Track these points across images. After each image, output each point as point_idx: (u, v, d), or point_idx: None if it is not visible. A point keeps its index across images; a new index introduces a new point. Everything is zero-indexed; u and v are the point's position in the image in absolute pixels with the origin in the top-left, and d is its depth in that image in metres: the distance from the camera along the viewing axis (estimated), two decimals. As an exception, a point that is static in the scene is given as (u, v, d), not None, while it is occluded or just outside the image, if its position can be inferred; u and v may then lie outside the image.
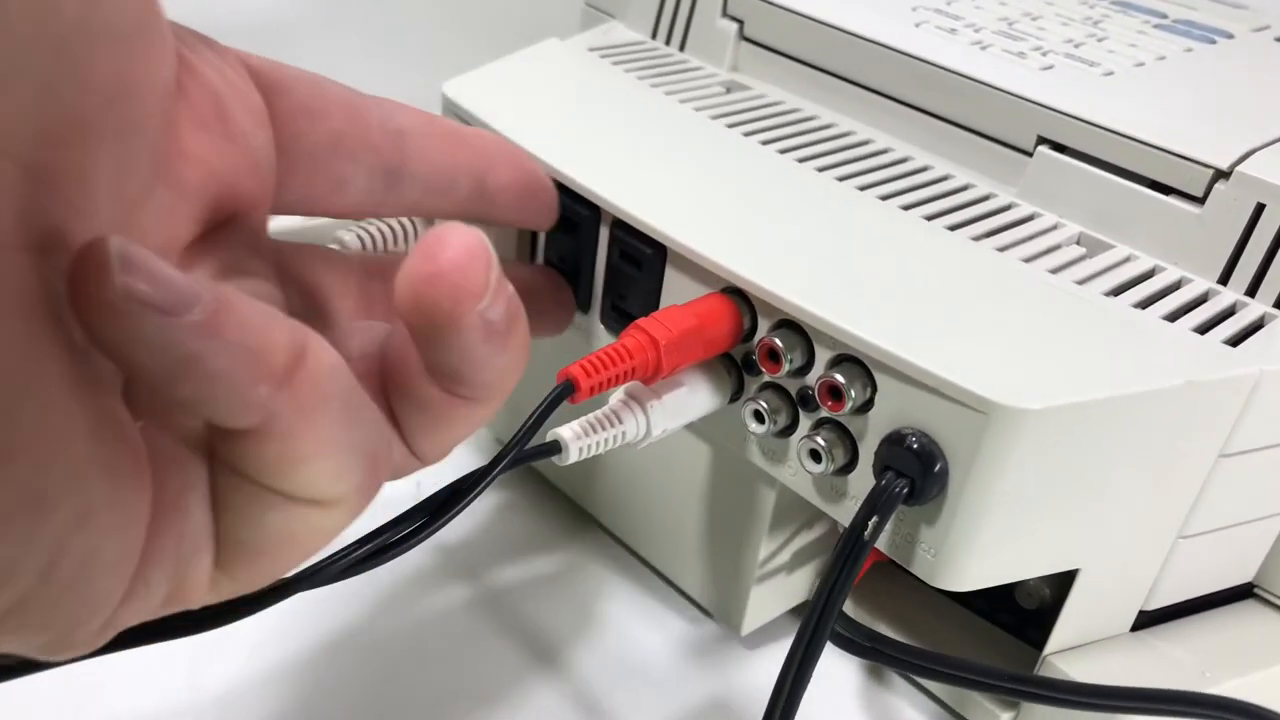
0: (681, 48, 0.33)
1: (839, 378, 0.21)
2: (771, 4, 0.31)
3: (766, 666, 0.26)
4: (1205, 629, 0.25)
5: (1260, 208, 0.23)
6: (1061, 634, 0.24)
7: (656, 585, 0.29)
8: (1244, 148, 0.24)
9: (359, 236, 0.24)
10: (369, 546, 0.18)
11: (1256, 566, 0.25)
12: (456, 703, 0.25)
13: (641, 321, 0.21)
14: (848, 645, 0.22)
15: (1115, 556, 0.23)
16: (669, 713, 0.25)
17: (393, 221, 0.24)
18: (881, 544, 0.22)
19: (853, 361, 0.21)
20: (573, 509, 0.30)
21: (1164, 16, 0.34)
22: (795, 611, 0.28)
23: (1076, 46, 0.30)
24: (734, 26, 0.32)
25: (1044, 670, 0.24)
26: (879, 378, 0.20)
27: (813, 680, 0.21)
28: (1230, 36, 0.33)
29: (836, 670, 0.26)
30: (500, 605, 0.27)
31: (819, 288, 0.21)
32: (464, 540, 0.29)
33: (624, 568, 0.29)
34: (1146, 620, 0.25)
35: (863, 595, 0.27)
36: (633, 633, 0.27)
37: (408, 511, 0.19)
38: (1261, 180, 0.23)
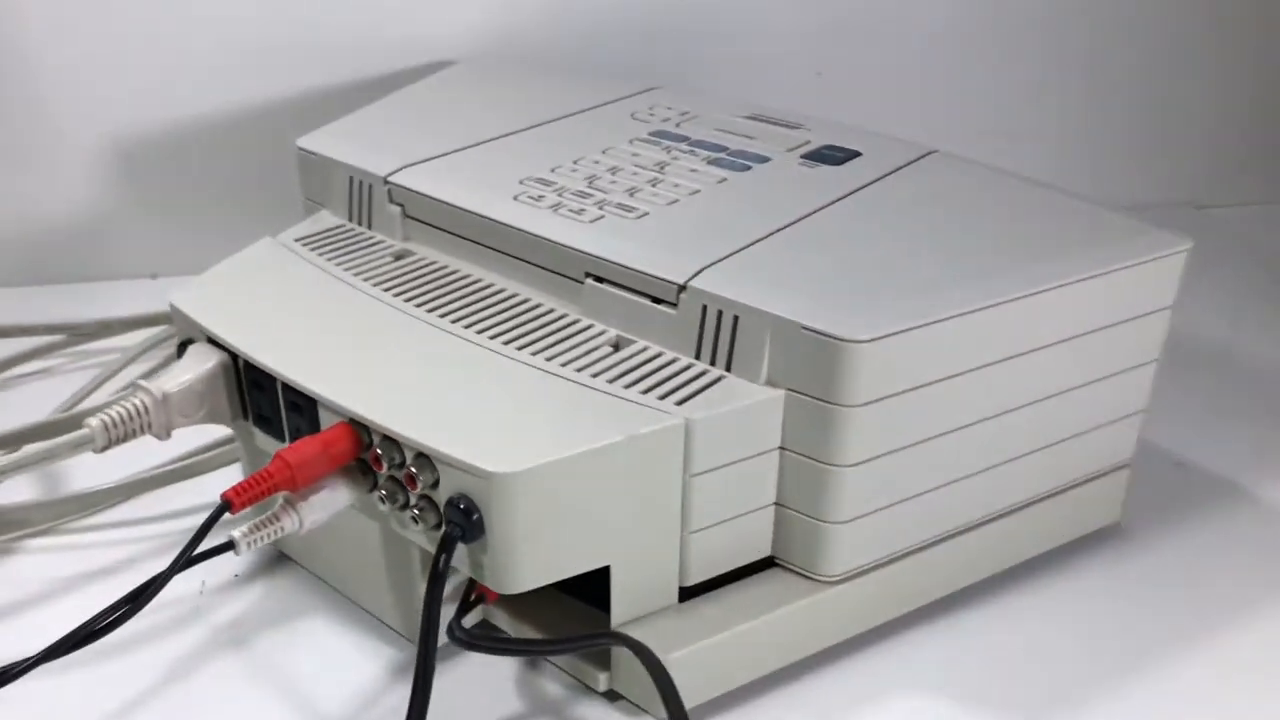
0: (369, 226, 0.45)
1: (413, 469, 0.32)
2: (417, 193, 0.42)
3: (459, 670, 0.37)
4: (735, 591, 0.36)
5: (705, 307, 0.35)
6: (619, 611, 0.35)
7: (374, 625, 0.39)
8: (696, 266, 0.36)
9: (102, 420, 0.34)
10: (84, 632, 0.28)
11: (769, 543, 0.37)
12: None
13: (281, 451, 0.32)
14: (462, 644, 0.33)
15: (634, 553, 0.34)
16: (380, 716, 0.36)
17: (129, 403, 0.35)
18: (467, 569, 0.33)
19: (423, 456, 0.32)
20: (321, 582, 0.41)
21: (724, 149, 0.46)
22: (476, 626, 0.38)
23: (632, 194, 0.42)
24: (398, 209, 0.43)
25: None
26: (438, 465, 0.32)
27: (482, 676, 0.32)
28: (766, 160, 0.45)
29: (501, 667, 0.37)
30: (256, 661, 0.38)
31: (399, 412, 0.33)
32: (233, 619, 0.39)
33: (352, 617, 0.39)
34: (693, 592, 0.36)
35: (510, 604, 0.38)
36: (354, 662, 0.38)
37: (112, 604, 0.29)
38: (702, 290, 0.35)
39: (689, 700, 0.32)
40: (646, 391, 0.34)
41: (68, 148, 0.61)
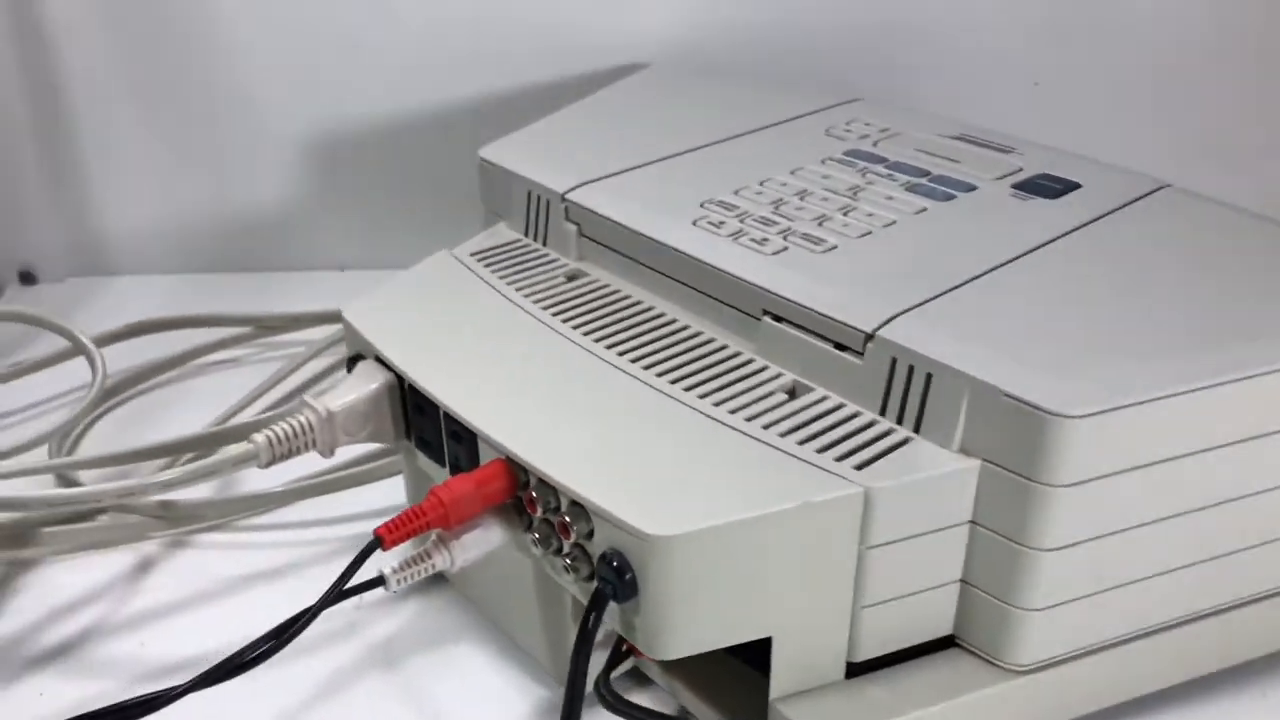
0: (544, 243, 0.43)
1: (567, 517, 0.30)
2: (593, 212, 0.41)
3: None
4: (909, 672, 0.33)
5: (894, 360, 0.32)
6: (779, 684, 0.32)
7: (528, 662, 0.38)
8: (888, 313, 0.33)
9: (267, 436, 0.34)
10: (231, 664, 0.28)
11: (950, 622, 0.33)
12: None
13: (435, 488, 0.31)
14: (606, 704, 0.31)
15: (799, 625, 0.31)
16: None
17: (294, 420, 0.35)
18: (618, 628, 0.31)
19: (577, 505, 0.30)
20: (472, 606, 0.40)
21: (925, 174, 0.42)
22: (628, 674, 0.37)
23: (820, 224, 0.38)
24: (574, 227, 0.42)
25: (772, 713, 0.32)
26: (593, 516, 0.30)
27: None
28: (972, 189, 0.41)
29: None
30: (404, 685, 0.37)
31: (558, 455, 0.31)
32: (388, 636, 0.39)
33: (505, 649, 0.38)
34: (861, 669, 0.33)
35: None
36: (506, 697, 0.36)
37: (259, 639, 0.29)
38: (891, 341, 0.32)
39: (849, 795, 0.29)
40: (824, 450, 0.31)
41: (266, 142, 0.63)
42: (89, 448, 0.49)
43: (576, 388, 0.34)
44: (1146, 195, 0.40)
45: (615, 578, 0.29)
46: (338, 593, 0.29)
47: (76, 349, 0.49)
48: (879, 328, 0.32)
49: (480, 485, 0.31)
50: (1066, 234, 0.37)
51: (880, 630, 0.32)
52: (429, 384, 0.34)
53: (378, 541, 0.30)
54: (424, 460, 0.37)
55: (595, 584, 0.29)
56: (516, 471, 0.32)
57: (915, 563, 0.31)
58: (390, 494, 0.46)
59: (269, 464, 0.35)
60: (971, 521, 0.31)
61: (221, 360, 0.56)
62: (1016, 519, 0.30)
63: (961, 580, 0.32)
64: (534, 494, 0.31)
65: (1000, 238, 0.37)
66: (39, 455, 0.46)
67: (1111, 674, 0.34)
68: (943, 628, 0.33)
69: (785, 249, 0.37)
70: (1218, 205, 0.40)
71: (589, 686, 0.32)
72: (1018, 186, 0.41)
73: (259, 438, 0.34)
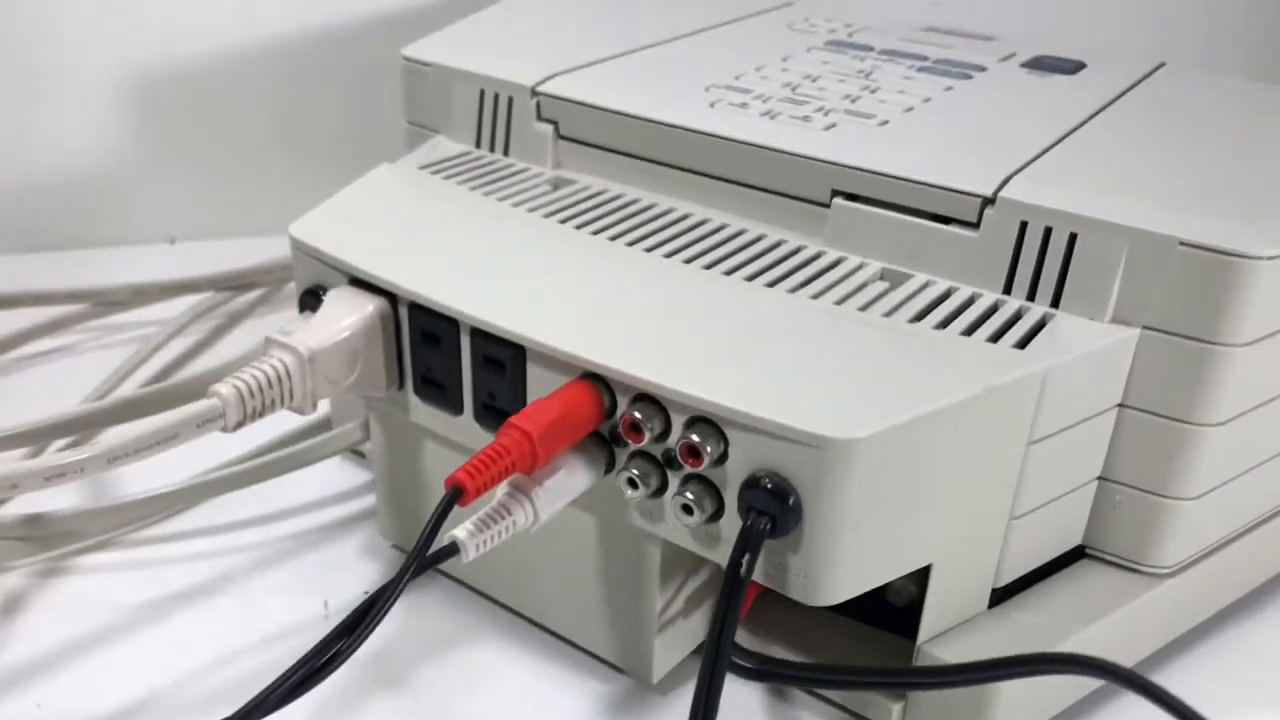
0: (505, 153, 0.36)
1: (695, 438, 0.23)
2: (580, 104, 0.34)
3: (681, 706, 0.29)
4: (1051, 592, 0.28)
5: (1024, 225, 0.27)
6: (929, 623, 0.26)
7: (567, 653, 0.30)
8: (1002, 174, 0.28)
9: (235, 388, 0.25)
10: (300, 673, 0.19)
11: (1082, 530, 0.29)
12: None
13: (513, 419, 0.23)
14: (745, 673, 0.24)
15: (959, 547, 0.26)
16: (601, 768, 0.27)
17: (265, 366, 0.26)
18: (759, 576, 0.24)
19: (705, 421, 0.23)
20: (474, 598, 0.32)
21: (926, 59, 0.38)
22: (699, 651, 0.30)
23: (853, 101, 0.33)
24: (550, 128, 0.34)
25: (920, 658, 0.27)
26: (729, 432, 0.23)
27: (723, 709, 0.23)
28: (984, 69, 0.37)
29: (742, 697, 0.29)
30: (426, 705, 0.29)
31: (663, 361, 0.24)
32: (379, 651, 0.30)
33: (534, 643, 0.31)
34: (1001, 596, 0.28)
35: (755, 623, 0.30)
36: (554, 701, 0.29)
37: (328, 636, 0.20)
38: (1020, 202, 0.27)
39: (1059, 738, 0.24)
40: (968, 334, 0.26)
41: (71, 89, 0.51)
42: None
43: (641, 293, 0.27)
44: (1154, 71, 0.38)
45: (775, 506, 0.23)
46: (421, 561, 0.21)
47: None
48: (999, 189, 0.27)
49: (568, 410, 0.24)
50: (1116, 100, 0.34)
51: (1026, 545, 0.27)
52: (447, 297, 0.27)
53: (456, 493, 0.22)
54: (425, 413, 0.29)
55: (748, 521, 0.23)
56: (601, 393, 0.25)
57: (1067, 459, 0.27)
58: (326, 481, 0.37)
59: (237, 426, 0.25)
60: (1120, 405, 0.27)
61: (49, 350, 0.44)
62: (1184, 392, 0.26)
63: (1100, 478, 0.28)
64: (636, 416, 0.24)
65: (1054, 106, 0.33)
66: None
67: (1246, 562, 0.31)
68: (1074, 538, 0.29)
69: (834, 125, 0.32)
70: (1220, 76, 0.38)
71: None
72: (1027, 65, 0.38)
73: (224, 390, 0.25)
